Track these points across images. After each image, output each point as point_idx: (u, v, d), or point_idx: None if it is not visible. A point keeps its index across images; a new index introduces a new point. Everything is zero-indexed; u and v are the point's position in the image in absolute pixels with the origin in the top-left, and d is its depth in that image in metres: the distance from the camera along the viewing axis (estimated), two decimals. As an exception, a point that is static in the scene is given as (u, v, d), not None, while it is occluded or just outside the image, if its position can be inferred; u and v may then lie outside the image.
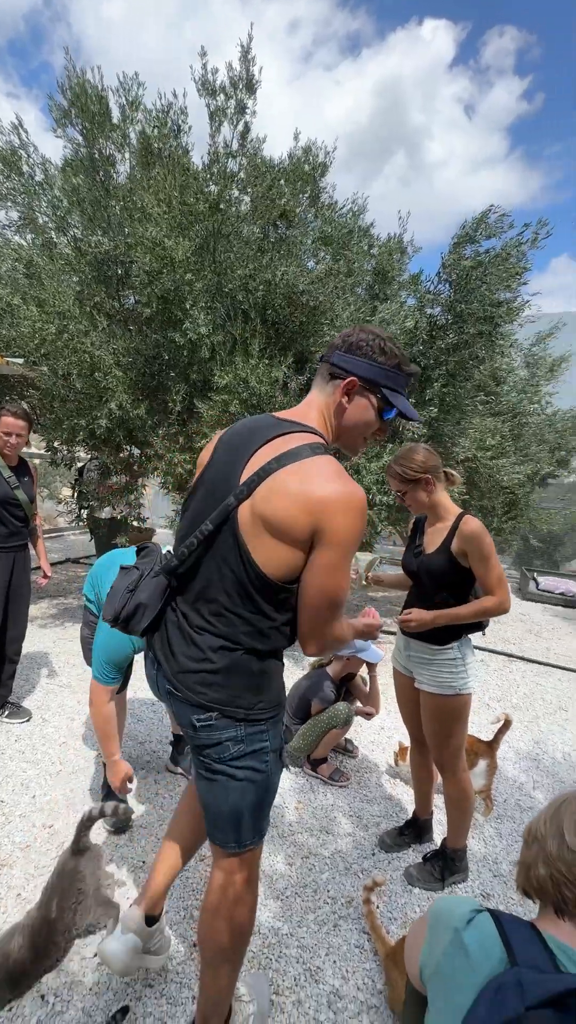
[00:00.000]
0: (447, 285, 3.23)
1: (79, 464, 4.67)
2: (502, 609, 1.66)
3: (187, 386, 3.20)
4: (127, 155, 3.54)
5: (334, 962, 1.51)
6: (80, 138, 3.61)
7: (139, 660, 2.23)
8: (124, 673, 1.90)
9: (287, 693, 2.58)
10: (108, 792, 1.95)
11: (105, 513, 4.20)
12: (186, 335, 3.09)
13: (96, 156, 3.56)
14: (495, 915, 0.82)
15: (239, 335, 3.15)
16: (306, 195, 4.07)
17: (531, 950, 0.75)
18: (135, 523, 4.20)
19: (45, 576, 2.79)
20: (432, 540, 1.77)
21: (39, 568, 2.81)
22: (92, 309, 3.50)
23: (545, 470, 5.49)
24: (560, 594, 7.05)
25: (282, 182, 3.64)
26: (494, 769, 2.29)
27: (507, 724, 2.34)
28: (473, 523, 1.68)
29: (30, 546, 2.74)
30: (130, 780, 1.83)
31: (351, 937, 1.60)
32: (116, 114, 3.59)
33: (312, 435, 1.06)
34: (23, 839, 1.91)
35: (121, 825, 1.97)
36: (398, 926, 1.66)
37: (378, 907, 1.70)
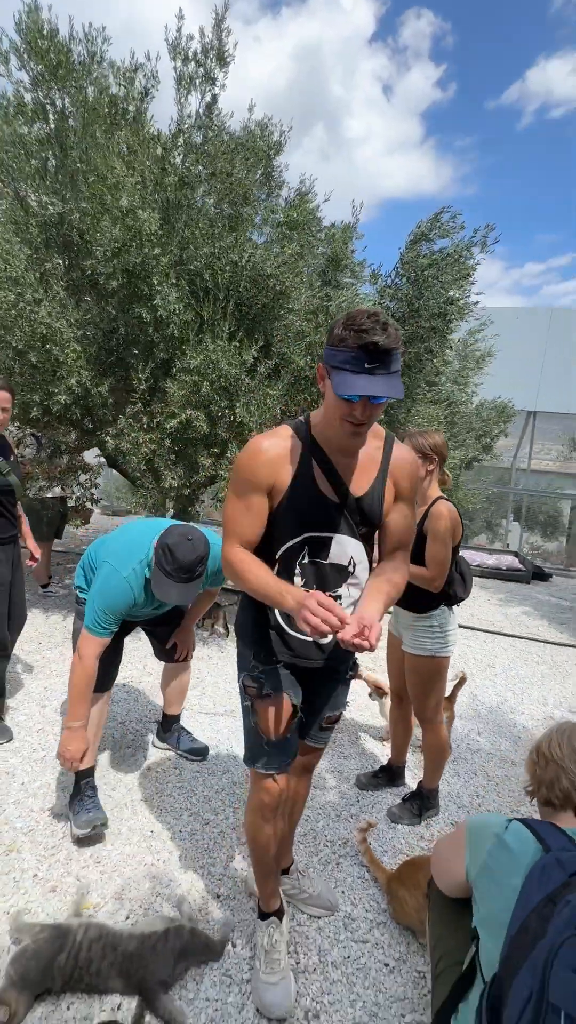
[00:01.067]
0: (404, 280, 3.43)
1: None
2: (431, 585, 1.89)
3: (152, 365, 3.13)
4: (82, 112, 3.28)
5: (342, 892, 1.73)
6: (28, 81, 3.30)
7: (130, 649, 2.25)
8: (119, 629, 1.83)
9: None
10: (74, 796, 1.86)
11: (53, 493, 4.00)
12: (155, 311, 3.01)
13: (48, 107, 3.28)
14: (523, 821, 1.05)
15: (208, 315, 3.13)
16: (259, 173, 4.05)
17: (559, 839, 0.98)
18: (88, 504, 4.06)
19: (33, 559, 2.68)
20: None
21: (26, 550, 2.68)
22: (43, 276, 3.27)
23: (471, 455, 6.02)
24: (476, 566, 7.84)
25: (239, 159, 3.59)
26: (452, 720, 2.62)
27: (463, 680, 2.69)
28: (443, 506, 1.92)
29: None
30: (80, 759, 1.72)
31: (353, 871, 1.82)
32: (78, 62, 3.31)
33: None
34: (24, 824, 1.91)
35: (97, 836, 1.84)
36: (389, 857, 1.91)
37: (370, 844, 1.94)
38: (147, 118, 3.45)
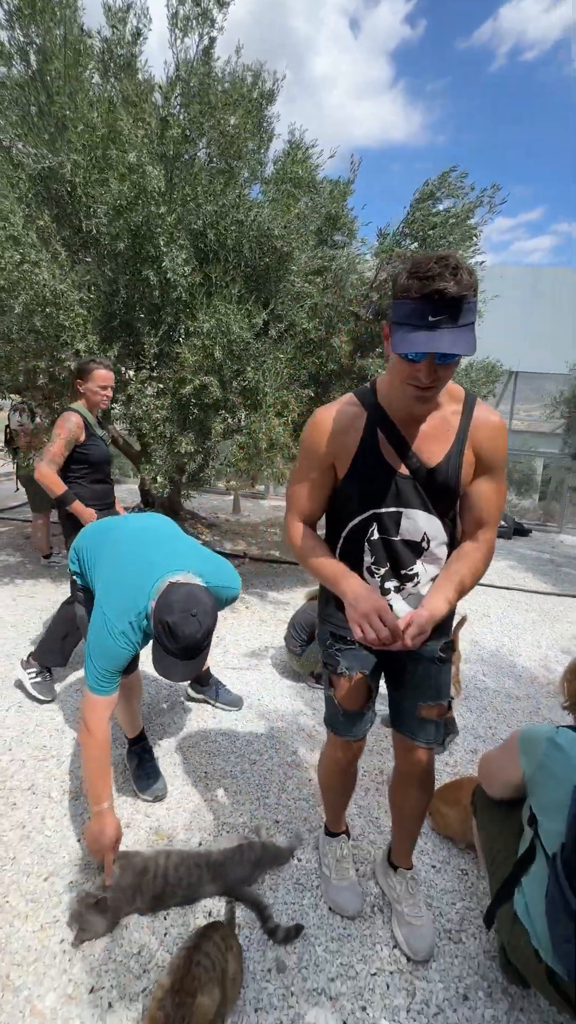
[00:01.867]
0: (410, 240, 3.43)
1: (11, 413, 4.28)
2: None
3: (161, 329, 3.10)
4: (65, 52, 3.08)
5: (385, 812, 1.94)
6: (2, 16, 3.06)
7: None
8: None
9: (292, 619, 2.91)
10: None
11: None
12: (163, 274, 2.96)
13: (28, 47, 3.06)
14: (568, 726, 1.23)
15: (217, 277, 3.09)
16: (249, 124, 3.90)
17: None
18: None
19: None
20: None
21: None
22: (40, 235, 3.15)
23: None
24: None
25: (240, 109, 3.46)
26: (459, 658, 2.85)
27: (463, 621, 2.92)
28: None
29: None
30: (116, 844, 1.46)
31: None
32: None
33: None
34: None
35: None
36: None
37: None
38: (140, 63, 3.26)
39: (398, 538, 1.18)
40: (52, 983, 1.28)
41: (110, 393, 2.47)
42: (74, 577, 1.89)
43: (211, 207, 3.21)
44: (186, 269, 2.96)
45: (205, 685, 2.58)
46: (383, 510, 1.16)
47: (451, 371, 1.00)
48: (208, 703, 2.58)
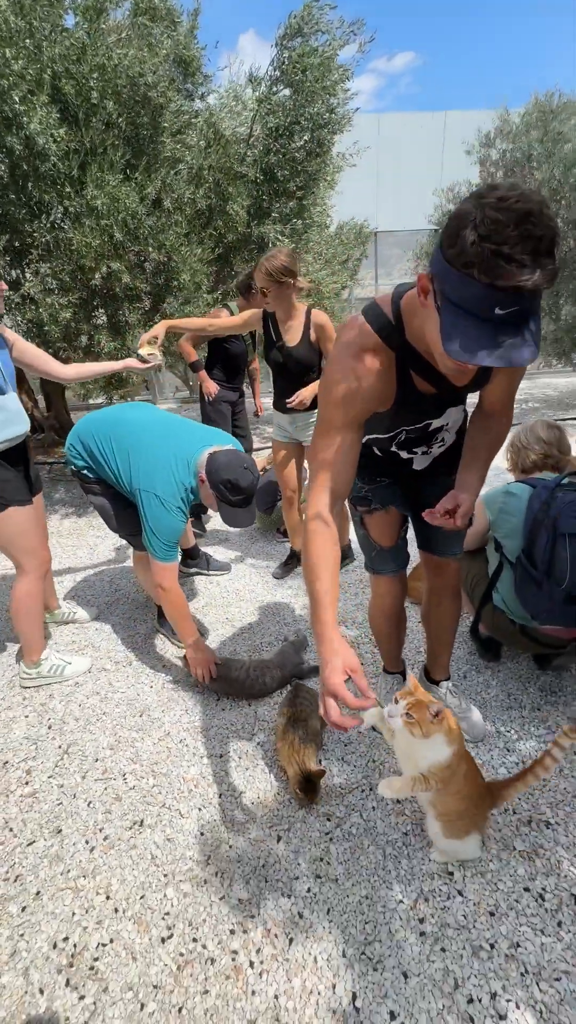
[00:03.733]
0: (284, 86, 3.27)
1: None
2: None
3: (47, 213, 2.76)
4: None
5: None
6: None
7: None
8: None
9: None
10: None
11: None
12: (32, 141, 2.58)
13: None
14: (517, 480, 1.75)
15: (93, 143, 2.77)
16: None
17: (539, 481, 1.69)
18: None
19: None
20: (292, 335, 2.26)
21: None
22: None
23: (341, 281, 6.32)
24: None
25: None
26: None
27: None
28: (321, 315, 2.25)
29: None
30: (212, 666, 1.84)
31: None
32: None
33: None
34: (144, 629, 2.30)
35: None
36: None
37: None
38: None
39: (421, 434, 1.23)
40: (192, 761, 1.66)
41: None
42: (83, 472, 1.99)
43: (59, 49, 2.75)
44: (62, 135, 2.61)
45: (195, 559, 2.87)
46: (411, 426, 1.19)
47: None
48: (202, 573, 2.89)
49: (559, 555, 1.53)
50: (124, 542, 3.31)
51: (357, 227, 6.73)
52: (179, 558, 1.86)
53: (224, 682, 1.86)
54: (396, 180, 9.20)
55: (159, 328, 2.17)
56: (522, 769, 1.21)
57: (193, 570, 2.89)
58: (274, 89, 3.37)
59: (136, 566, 2.23)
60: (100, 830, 1.43)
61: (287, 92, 3.36)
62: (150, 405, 2.08)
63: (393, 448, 1.30)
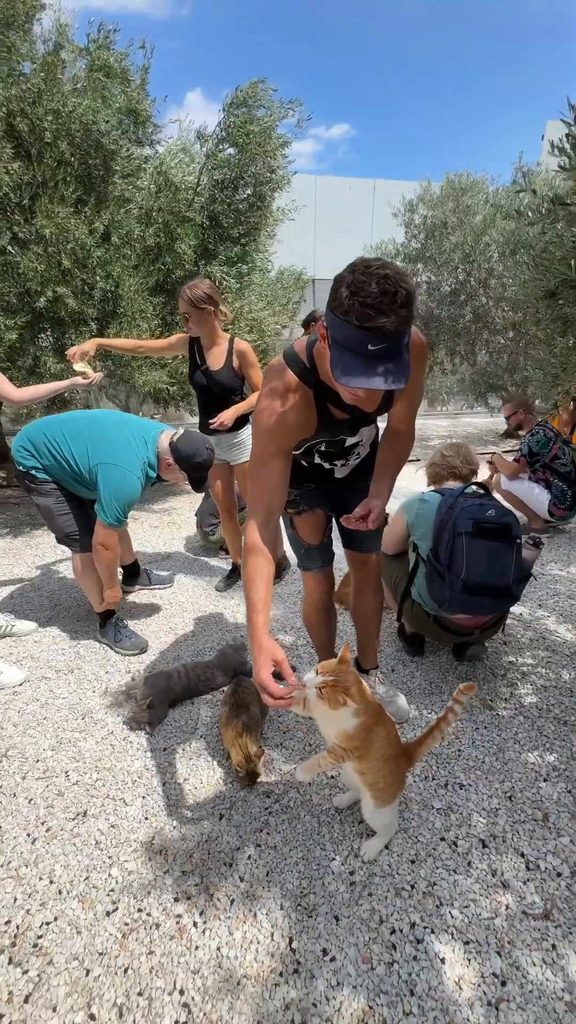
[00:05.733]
0: (230, 145, 3.62)
1: None
2: None
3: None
4: None
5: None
6: None
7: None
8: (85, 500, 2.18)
9: (198, 512, 3.34)
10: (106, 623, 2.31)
11: None
12: (-14, 172, 2.70)
13: None
14: (430, 491, 2.01)
15: (45, 177, 2.92)
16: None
17: (447, 490, 1.96)
18: None
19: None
20: (214, 360, 2.44)
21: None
22: None
23: (282, 321, 6.75)
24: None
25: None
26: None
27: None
28: (243, 343, 2.47)
29: None
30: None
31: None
32: None
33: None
34: (80, 645, 2.30)
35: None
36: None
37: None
38: None
39: (340, 446, 1.42)
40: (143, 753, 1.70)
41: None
42: (31, 471, 2.07)
43: (15, 91, 2.93)
44: (15, 169, 2.75)
45: (136, 576, 2.91)
46: (330, 439, 1.37)
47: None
48: (145, 588, 2.93)
49: (457, 551, 1.78)
50: (63, 559, 3.29)
51: (296, 274, 7.27)
52: (124, 525, 2.12)
53: (167, 697, 1.88)
54: (331, 234, 10.02)
55: (89, 344, 2.34)
56: (429, 726, 1.36)
57: (136, 587, 2.93)
58: (220, 147, 3.71)
59: (78, 574, 2.26)
60: (42, 823, 1.44)
61: (232, 151, 3.72)
62: (91, 410, 2.24)
63: (316, 460, 1.49)
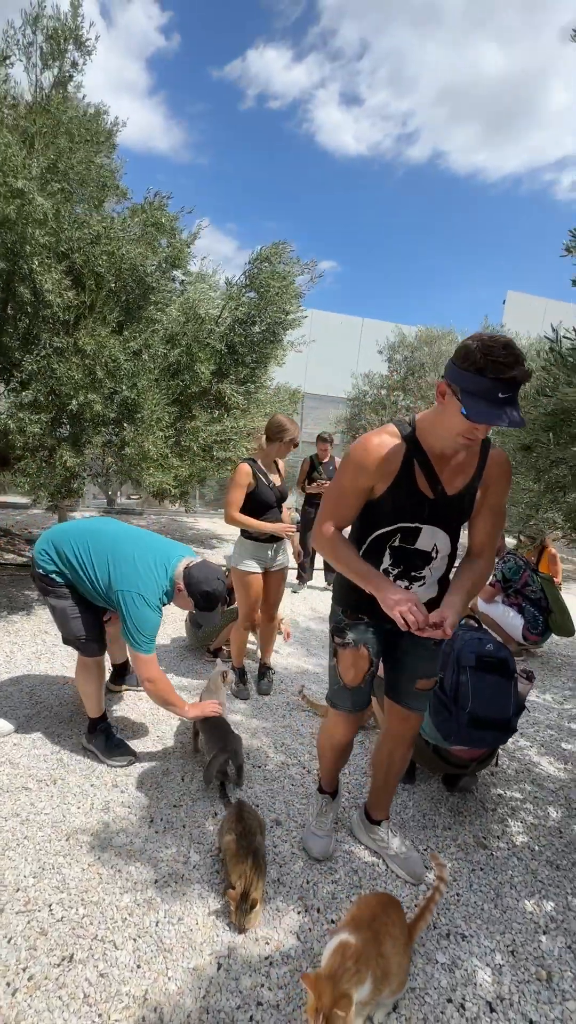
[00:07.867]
0: (253, 291, 4.22)
1: None
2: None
3: (46, 348, 3.16)
4: None
5: (308, 735, 2.64)
6: None
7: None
8: (95, 606, 2.17)
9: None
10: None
11: None
12: (42, 295, 3.06)
13: None
14: None
15: (94, 302, 3.31)
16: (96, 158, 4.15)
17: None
18: None
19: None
20: (275, 477, 2.76)
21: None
22: None
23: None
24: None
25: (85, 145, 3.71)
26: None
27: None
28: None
29: None
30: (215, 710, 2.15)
31: (303, 718, 2.75)
32: None
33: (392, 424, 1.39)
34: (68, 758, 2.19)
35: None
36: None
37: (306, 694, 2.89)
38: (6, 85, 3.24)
39: (414, 547, 1.41)
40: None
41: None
42: (51, 575, 2.10)
43: (79, 233, 3.41)
44: (69, 296, 3.13)
45: (122, 676, 2.85)
46: (408, 524, 1.39)
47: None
48: (132, 689, 2.86)
49: (462, 684, 1.89)
50: (45, 652, 3.20)
51: (291, 390, 8.03)
52: (154, 652, 2.06)
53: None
54: (321, 357, 11.15)
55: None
56: (420, 908, 1.40)
57: (124, 687, 2.86)
58: (243, 292, 4.32)
59: (79, 675, 2.23)
60: (24, 969, 1.32)
61: (253, 295, 4.32)
62: (113, 519, 2.34)
63: (387, 564, 1.44)
